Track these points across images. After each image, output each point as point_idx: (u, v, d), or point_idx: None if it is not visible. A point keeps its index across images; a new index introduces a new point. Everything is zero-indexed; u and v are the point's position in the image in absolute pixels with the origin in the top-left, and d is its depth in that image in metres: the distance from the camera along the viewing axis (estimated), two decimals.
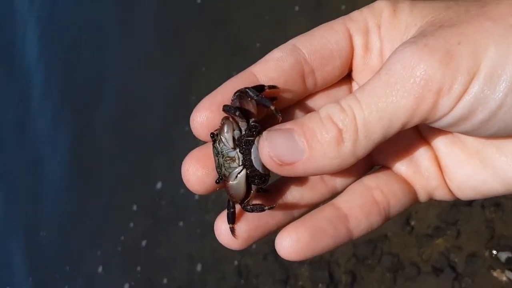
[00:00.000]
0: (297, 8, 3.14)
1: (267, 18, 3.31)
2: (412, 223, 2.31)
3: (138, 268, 3.77)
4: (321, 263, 2.52)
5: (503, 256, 2.04)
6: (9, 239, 5.69)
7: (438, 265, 2.19)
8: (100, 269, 4.18)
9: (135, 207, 3.94)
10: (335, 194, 0.57)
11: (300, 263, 2.59)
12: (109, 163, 4.39)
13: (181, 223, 3.49)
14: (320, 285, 2.54)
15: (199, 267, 3.28)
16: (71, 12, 5.52)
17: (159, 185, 3.71)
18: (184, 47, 3.88)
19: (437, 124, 0.48)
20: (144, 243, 3.78)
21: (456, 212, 2.20)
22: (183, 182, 0.55)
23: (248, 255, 2.91)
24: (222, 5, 3.67)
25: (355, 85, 0.59)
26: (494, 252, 2.07)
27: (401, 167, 0.57)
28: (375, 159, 0.59)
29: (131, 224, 3.93)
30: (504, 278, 2.01)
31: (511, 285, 1.99)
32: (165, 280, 3.52)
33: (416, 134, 0.57)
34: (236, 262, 2.99)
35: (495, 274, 2.03)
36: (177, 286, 3.42)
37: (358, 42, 0.55)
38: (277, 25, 3.18)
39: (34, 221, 5.30)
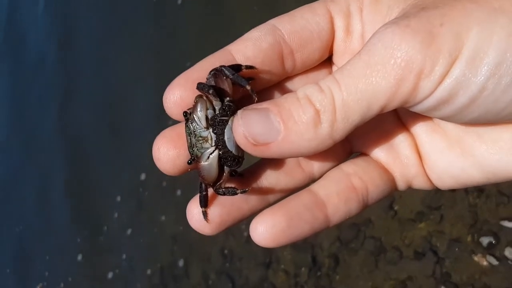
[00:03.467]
0: None
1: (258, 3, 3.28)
2: (396, 207, 2.33)
3: (124, 256, 3.78)
4: (304, 247, 2.53)
5: (485, 241, 2.06)
6: None
7: (420, 249, 2.21)
8: (79, 258, 4.19)
9: (119, 198, 3.94)
10: (312, 181, 0.56)
11: (283, 246, 2.63)
12: (94, 154, 4.37)
13: (165, 210, 3.49)
14: (303, 268, 2.56)
15: (183, 252, 3.29)
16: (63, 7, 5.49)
17: (143, 176, 3.71)
18: (174, 33, 3.83)
19: (417, 108, 0.46)
20: (129, 231, 3.80)
21: (440, 197, 2.21)
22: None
23: (232, 238, 2.92)
24: None
25: (335, 69, 0.58)
26: (476, 237, 2.09)
27: (380, 154, 0.56)
28: (353, 146, 0.58)
29: (116, 214, 3.94)
30: (485, 263, 2.03)
31: (491, 269, 2.01)
32: (149, 265, 3.53)
33: (396, 120, 0.56)
34: (220, 246, 3.00)
35: (476, 258, 2.06)
36: (161, 270, 3.43)
37: (339, 24, 0.54)
38: (268, 10, 3.14)
39: (16, 212, 5.27)
